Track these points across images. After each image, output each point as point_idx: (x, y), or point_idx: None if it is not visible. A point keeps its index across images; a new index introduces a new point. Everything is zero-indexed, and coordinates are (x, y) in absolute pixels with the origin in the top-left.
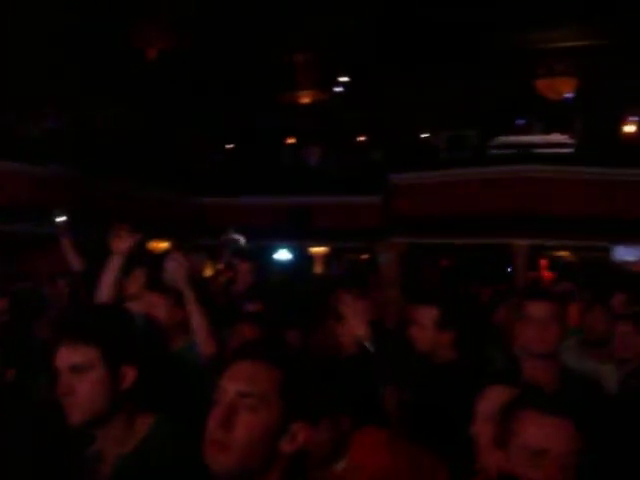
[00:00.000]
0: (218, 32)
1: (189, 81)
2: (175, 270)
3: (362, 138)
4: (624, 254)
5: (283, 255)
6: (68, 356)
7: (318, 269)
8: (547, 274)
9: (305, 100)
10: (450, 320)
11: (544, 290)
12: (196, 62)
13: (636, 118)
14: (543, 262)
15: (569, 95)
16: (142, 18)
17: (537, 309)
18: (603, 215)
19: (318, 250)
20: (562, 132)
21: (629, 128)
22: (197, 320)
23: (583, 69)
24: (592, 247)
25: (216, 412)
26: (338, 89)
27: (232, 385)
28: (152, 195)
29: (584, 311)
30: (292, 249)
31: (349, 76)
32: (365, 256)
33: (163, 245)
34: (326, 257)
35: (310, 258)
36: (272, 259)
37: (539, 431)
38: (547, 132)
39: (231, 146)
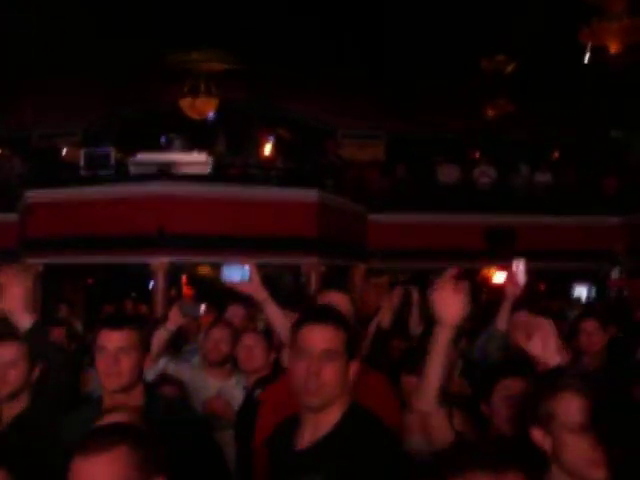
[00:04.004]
0: None
1: None
2: None
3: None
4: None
5: None
6: None
7: None
8: (187, 290)
9: None
10: None
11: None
12: None
13: (272, 138)
14: (184, 278)
15: (211, 115)
16: None
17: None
18: (238, 233)
19: None
20: (203, 151)
21: (267, 148)
22: None
23: (224, 90)
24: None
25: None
26: None
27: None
28: None
29: (206, 331)
30: None
31: None
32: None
33: None
34: None
35: None
36: None
37: None
38: (188, 151)
39: None
